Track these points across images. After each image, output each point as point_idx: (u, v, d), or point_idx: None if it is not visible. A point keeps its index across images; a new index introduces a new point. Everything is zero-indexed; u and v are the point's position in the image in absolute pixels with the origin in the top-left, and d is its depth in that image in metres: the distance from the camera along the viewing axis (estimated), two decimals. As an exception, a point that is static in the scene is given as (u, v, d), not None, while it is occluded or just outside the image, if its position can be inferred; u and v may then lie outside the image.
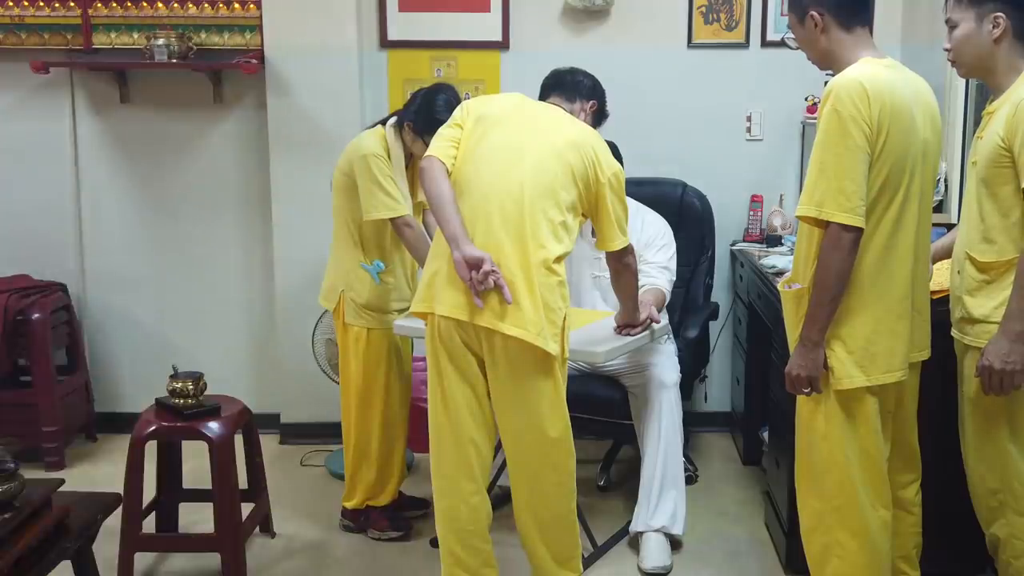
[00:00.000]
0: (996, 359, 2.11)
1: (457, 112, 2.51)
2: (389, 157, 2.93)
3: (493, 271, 2.26)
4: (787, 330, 2.30)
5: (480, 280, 2.25)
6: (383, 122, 3.03)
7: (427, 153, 2.44)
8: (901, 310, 2.16)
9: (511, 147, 2.39)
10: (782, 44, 2.27)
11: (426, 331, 2.46)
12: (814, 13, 2.17)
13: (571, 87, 2.63)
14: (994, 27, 2.15)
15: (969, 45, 2.20)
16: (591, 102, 2.65)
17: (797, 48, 2.30)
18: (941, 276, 2.47)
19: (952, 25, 2.22)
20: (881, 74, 2.08)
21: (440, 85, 3.00)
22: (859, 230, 2.05)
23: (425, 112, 2.88)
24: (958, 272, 2.27)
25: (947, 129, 3.22)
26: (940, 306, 2.38)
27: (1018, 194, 2.11)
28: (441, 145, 2.44)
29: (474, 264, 2.26)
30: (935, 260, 2.47)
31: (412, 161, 3.01)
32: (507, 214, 2.33)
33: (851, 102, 2.02)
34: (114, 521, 2.55)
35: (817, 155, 2.07)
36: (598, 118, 2.70)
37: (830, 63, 2.21)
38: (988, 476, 2.27)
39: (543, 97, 2.65)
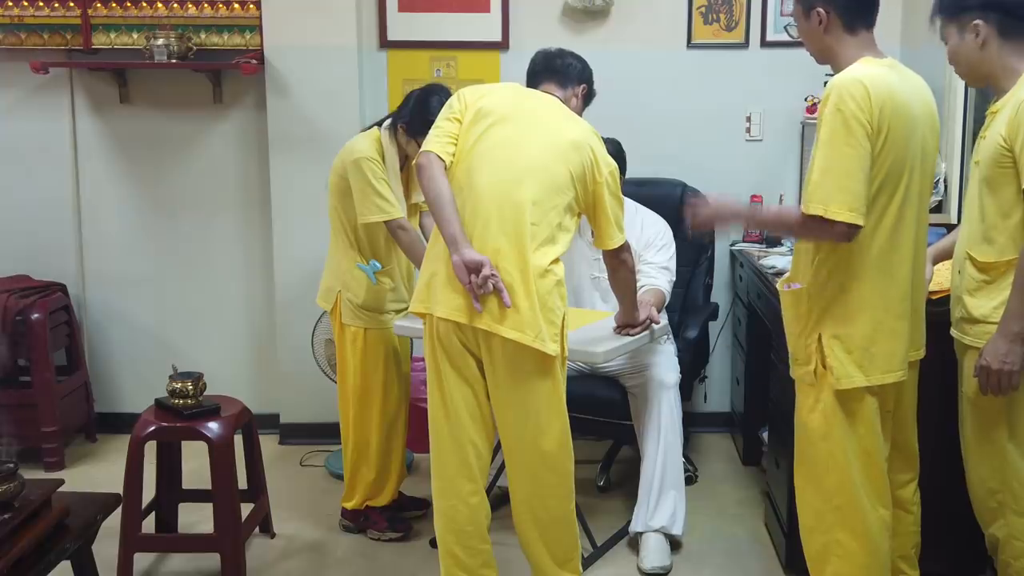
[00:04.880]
0: (994, 359, 2.11)
1: (455, 103, 2.47)
2: (384, 159, 2.93)
3: (492, 275, 2.26)
4: (787, 330, 2.30)
5: (479, 284, 2.25)
6: (379, 124, 3.04)
7: (425, 148, 2.40)
8: (901, 310, 2.16)
9: (511, 146, 2.38)
10: (784, 45, 2.27)
11: (424, 332, 2.46)
12: (820, 10, 2.17)
13: (562, 72, 2.59)
14: (976, 35, 2.18)
15: (961, 57, 2.24)
16: (582, 86, 2.63)
17: (796, 37, 2.30)
18: (941, 276, 2.47)
19: (944, 41, 2.26)
20: (881, 74, 2.09)
21: (434, 86, 3.00)
22: (860, 228, 2.06)
23: (419, 114, 2.88)
24: (959, 272, 2.28)
25: (947, 129, 3.22)
26: (938, 306, 2.38)
27: (1019, 195, 2.11)
28: (440, 140, 2.41)
29: (473, 268, 2.25)
30: (938, 261, 2.47)
31: (407, 163, 3.01)
32: (505, 216, 2.32)
33: (853, 101, 2.03)
34: (114, 521, 2.55)
35: (822, 154, 2.06)
36: (587, 100, 2.69)
37: (828, 60, 2.22)
38: (987, 476, 2.27)
39: (533, 82, 2.61)
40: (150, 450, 2.77)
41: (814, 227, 2.07)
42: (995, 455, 2.24)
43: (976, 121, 3.20)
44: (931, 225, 2.36)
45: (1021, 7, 2.16)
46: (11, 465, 2.14)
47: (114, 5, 3.82)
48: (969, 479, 2.33)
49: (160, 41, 3.69)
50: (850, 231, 2.04)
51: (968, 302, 2.22)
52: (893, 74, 2.12)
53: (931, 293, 2.39)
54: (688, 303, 3.64)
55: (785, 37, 3.81)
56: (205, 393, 2.83)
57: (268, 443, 3.77)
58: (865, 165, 2.03)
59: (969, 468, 2.32)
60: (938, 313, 2.35)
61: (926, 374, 2.35)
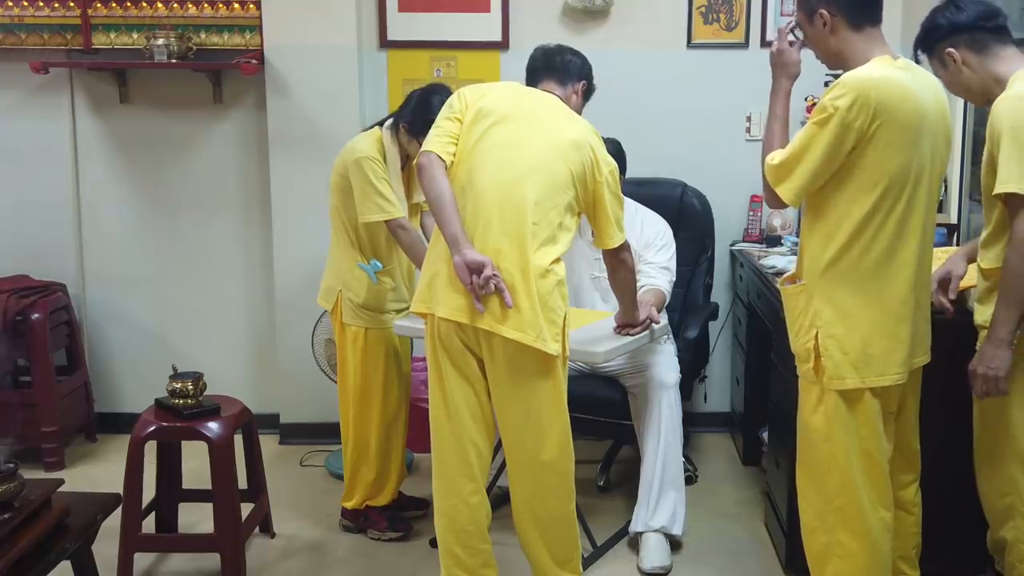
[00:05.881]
0: (979, 363, 2.14)
1: (455, 102, 2.47)
2: (385, 159, 2.93)
3: (494, 275, 2.26)
4: (788, 327, 2.30)
5: (481, 285, 2.25)
6: (380, 124, 3.04)
7: (425, 148, 2.40)
8: (901, 313, 2.16)
9: (511, 146, 2.38)
10: (786, 41, 2.28)
11: (426, 332, 2.46)
12: (823, 11, 2.16)
13: (562, 69, 2.59)
14: (954, 62, 2.22)
15: (953, 86, 2.28)
16: (581, 82, 2.62)
17: (797, 42, 2.30)
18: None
19: (936, 75, 2.29)
20: (894, 76, 2.09)
21: (435, 86, 3.00)
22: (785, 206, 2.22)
23: (420, 113, 2.88)
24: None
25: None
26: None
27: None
28: (440, 140, 2.41)
29: (475, 268, 2.25)
30: (972, 259, 2.46)
31: (408, 163, 3.01)
32: (506, 216, 2.32)
33: (853, 100, 2.03)
34: (114, 521, 2.55)
35: (804, 135, 2.15)
36: (587, 96, 2.68)
37: (839, 63, 2.21)
38: (996, 479, 2.27)
39: (532, 79, 2.60)
40: (150, 450, 2.77)
41: (765, 178, 2.24)
42: (1003, 457, 2.23)
43: (977, 123, 3.21)
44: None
45: (983, 20, 2.19)
46: (11, 465, 2.14)
47: (114, 5, 3.82)
48: (979, 481, 2.33)
49: (160, 41, 3.69)
50: (782, 204, 2.20)
51: (976, 309, 2.23)
52: (906, 75, 2.12)
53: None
54: (688, 303, 3.64)
55: (785, 37, 3.81)
56: (205, 393, 2.83)
57: (268, 443, 3.77)
58: (830, 160, 2.10)
59: (979, 470, 2.32)
60: (938, 313, 2.35)
61: (928, 375, 2.35)
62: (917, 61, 2.30)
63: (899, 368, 2.18)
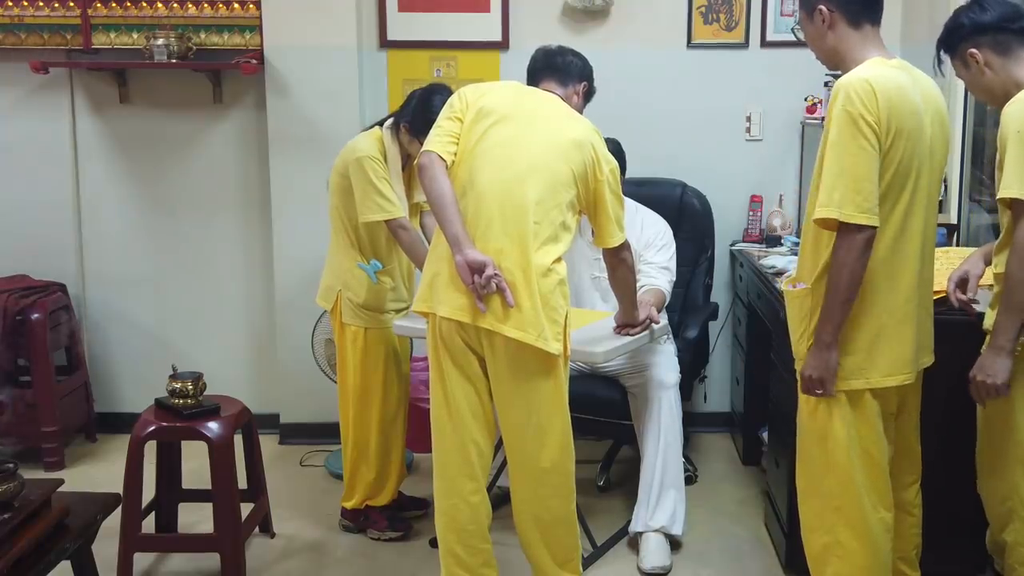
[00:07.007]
0: (979, 371, 2.14)
1: (456, 102, 2.47)
2: (385, 159, 2.94)
3: (496, 275, 2.26)
4: (790, 330, 2.29)
5: (483, 284, 2.25)
6: (380, 124, 3.04)
7: (426, 147, 2.40)
8: (905, 313, 2.15)
9: (512, 145, 2.38)
10: (784, 45, 2.26)
11: (427, 331, 2.46)
12: (822, 7, 2.15)
13: (563, 69, 2.59)
14: (976, 63, 2.19)
15: (974, 87, 2.26)
16: (582, 83, 2.62)
17: (803, 40, 2.29)
18: (942, 276, 2.47)
19: (958, 75, 2.27)
20: (889, 74, 2.07)
21: (436, 86, 3.00)
22: (874, 229, 2.04)
23: (421, 113, 2.88)
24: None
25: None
26: (939, 306, 2.37)
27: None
28: (441, 140, 2.41)
29: (477, 268, 2.25)
30: (990, 260, 2.46)
31: (409, 162, 3.01)
32: (507, 215, 2.32)
33: (860, 101, 2.01)
34: (114, 521, 2.55)
35: (832, 156, 2.03)
36: (588, 97, 2.68)
37: (837, 62, 2.20)
38: (998, 483, 2.27)
39: (533, 80, 2.61)
40: (150, 450, 2.77)
41: (841, 244, 2.04)
42: (1005, 463, 2.23)
43: (976, 123, 3.20)
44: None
45: (1007, 21, 2.16)
46: (11, 465, 2.14)
47: (114, 5, 3.82)
48: (981, 484, 2.33)
49: (160, 41, 3.69)
50: (861, 233, 2.02)
51: (987, 313, 2.23)
52: (903, 75, 2.10)
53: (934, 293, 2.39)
54: (688, 303, 3.64)
55: (785, 37, 3.82)
56: (205, 393, 2.83)
57: (268, 443, 3.77)
58: (875, 166, 2.02)
59: (981, 473, 2.33)
60: (940, 313, 2.34)
61: (930, 376, 2.34)
62: (940, 61, 2.28)
63: (907, 368, 2.17)
